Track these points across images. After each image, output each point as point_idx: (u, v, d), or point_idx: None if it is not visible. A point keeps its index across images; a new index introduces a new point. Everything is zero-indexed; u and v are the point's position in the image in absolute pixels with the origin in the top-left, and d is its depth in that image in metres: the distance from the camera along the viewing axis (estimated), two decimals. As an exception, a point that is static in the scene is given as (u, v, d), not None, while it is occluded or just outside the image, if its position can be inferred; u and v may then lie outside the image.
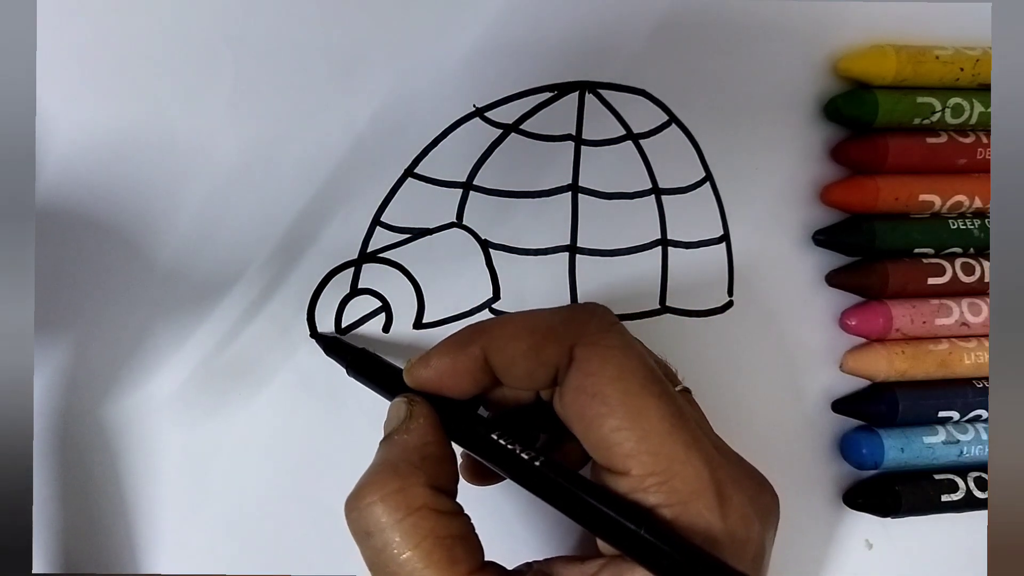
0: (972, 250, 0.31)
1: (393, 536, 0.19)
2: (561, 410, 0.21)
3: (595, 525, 0.19)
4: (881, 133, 0.29)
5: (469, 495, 0.22)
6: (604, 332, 0.21)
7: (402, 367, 0.23)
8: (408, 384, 0.23)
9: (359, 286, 0.28)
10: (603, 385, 0.20)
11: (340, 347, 0.26)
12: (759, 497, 0.20)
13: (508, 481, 0.22)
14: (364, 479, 0.20)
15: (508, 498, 0.28)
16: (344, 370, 0.26)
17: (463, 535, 0.19)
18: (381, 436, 0.28)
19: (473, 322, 0.22)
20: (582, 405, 0.20)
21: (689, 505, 0.19)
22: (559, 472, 0.20)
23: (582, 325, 0.21)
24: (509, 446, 0.20)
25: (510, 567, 0.21)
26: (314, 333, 0.27)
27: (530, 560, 0.23)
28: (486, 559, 0.20)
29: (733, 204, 0.29)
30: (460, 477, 0.22)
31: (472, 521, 0.21)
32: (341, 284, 0.28)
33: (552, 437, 0.24)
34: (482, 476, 0.24)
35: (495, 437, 0.21)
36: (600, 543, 0.21)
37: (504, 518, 0.28)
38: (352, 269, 0.27)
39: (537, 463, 0.20)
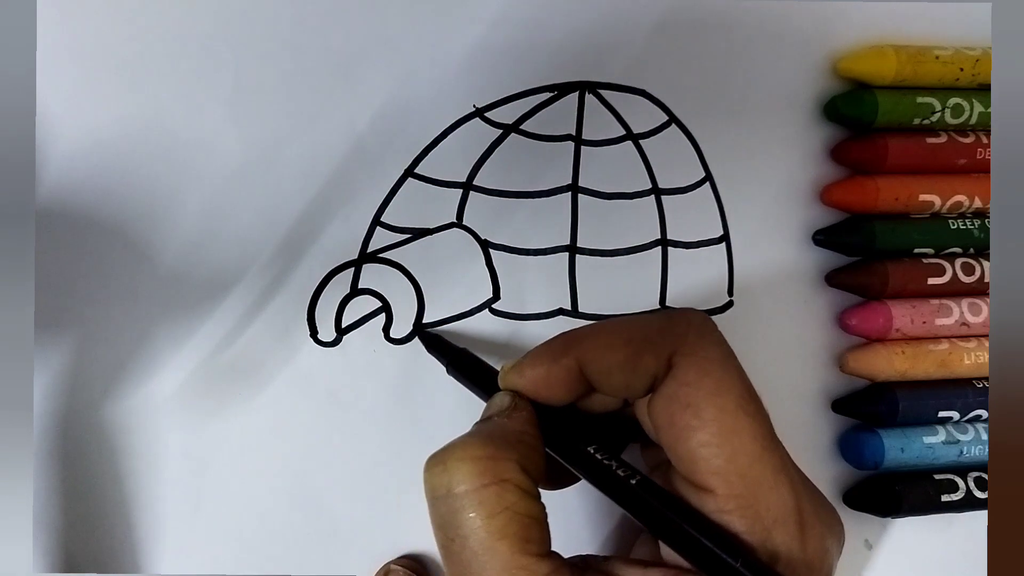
0: (972, 250, 0.31)
1: (473, 500, 0.18)
2: (650, 417, 0.21)
3: (686, 549, 0.19)
4: (881, 133, 0.29)
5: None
6: (704, 343, 0.20)
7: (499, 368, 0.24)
8: (501, 388, 0.23)
9: (359, 286, 0.28)
10: (699, 398, 0.19)
11: (441, 345, 0.26)
12: (833, 527, 0.20)
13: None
14: (456, 441, 0.20)
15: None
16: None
17: (539, 519, 0.19)
18: (384, 436, 0.28)
19: (567, 330, 0.22)
20: (673, 415, 0.20)
21: (773, 532, 0.19)
22: (654, 493, 0.20)
23: (681, 334, 0.20)
24: (606, 461, 0.20)
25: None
26: (417, 329, 0.27)
27: (582, 553, 0.22)
28: None
29: (733, 204, 0.29)
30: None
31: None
32: (341, 284, 0.28)
33: (625, 439, 0.24)
34: (556, 481, 0.24)
35: (592, 451, 0.21)
36: (663, 550, 0.21)
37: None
38: (352, 269, 0.27)
39: (633, 481, 0.20)
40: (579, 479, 0.23)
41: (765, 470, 0.19)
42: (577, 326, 0.29)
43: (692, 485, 0.20)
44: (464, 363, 0.25)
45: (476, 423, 0.22)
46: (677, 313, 0.22)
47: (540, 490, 0.24)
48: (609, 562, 0.21)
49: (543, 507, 0.20)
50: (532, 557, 0.18)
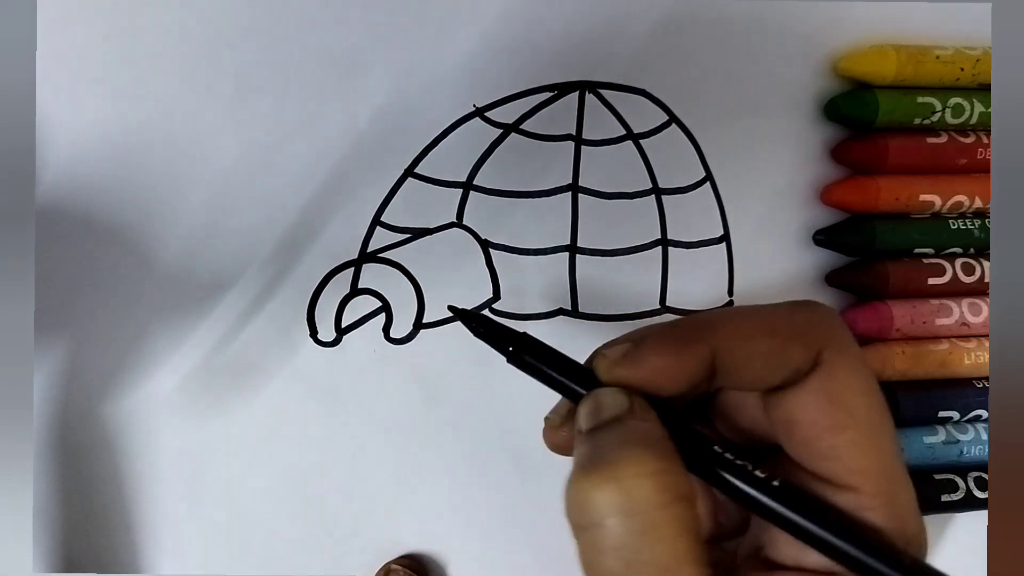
0: (972, 250, 0.31)
1: (659, 520, 0.17)
2: (786, 411, 0.20)
3: (835, 554, 0.18)
4: (881, 133, 0.29)
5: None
6: (849, 340, 0.20)
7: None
8: (605, 380, 0.20)
9: (359, 286, 0.28)
10: (851, 396, 0.19)
11: (498, 331, 0.21)
12: None
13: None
14: (622, 453, 0.17)
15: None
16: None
17: (702, 534, 0.18)
18: (384, 436, 0.28)
19: (686, 317, 0.20)
20: (820, 411, 0.19)
21: (907, 525, 0.19)
22: (799, 496, 0.18)
23: (830, 329, 0.20)
24: (739, 462, 0.19)
25: None
26: (453, 310, 0.22)
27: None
28: None
29: (733, 204, 0.29)
30: None
31: None
32: (341, 284, 0.28)
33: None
34: None
35: (720, 451, 0.19)
36: (784, 548, 0.20)
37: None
38: (352, 269, 0.27)
39: (775, 483, 0.18)
40: None
41: (899, 469, 0.19)
42: (578, 325, 0.28)
43: (824, 482, 0.19)
44: (535, 351, 0.21)
45: (601, 427, 0.19)
46: (819, 308, 0.20)
47: None
48: (736, 572, 0.21)
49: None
50: None
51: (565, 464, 0.18)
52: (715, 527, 0.22)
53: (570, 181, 0.28)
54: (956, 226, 0.30)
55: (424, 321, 0.28)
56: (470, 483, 0.29)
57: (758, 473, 0.18)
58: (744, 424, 0.21)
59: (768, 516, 0.19)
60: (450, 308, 0.22)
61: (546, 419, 0.21)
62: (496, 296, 0.28)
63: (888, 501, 0.19)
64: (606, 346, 0.21)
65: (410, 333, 0.28)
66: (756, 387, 0.20)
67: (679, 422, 0.19)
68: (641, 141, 0.29)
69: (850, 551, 0.18)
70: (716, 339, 0.19)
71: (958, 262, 0.30)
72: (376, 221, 0.27)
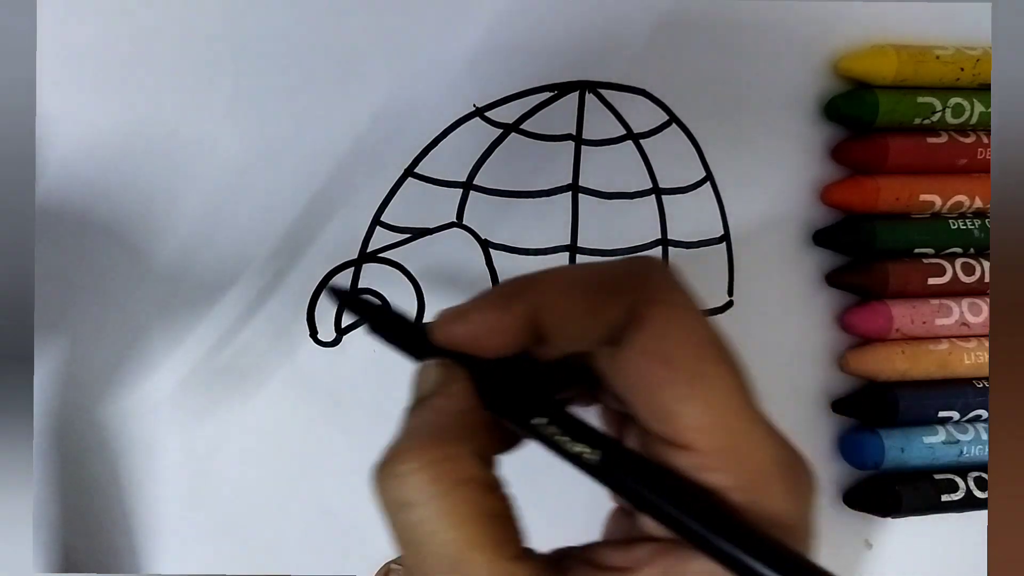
0: (972, 250, 0.31)
1: (435, 510, 0.16)
2: (614, 373, 0.19)
3: (668, 521, 0.17)
4: (881, 133, 0.29)
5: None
6: (670, 288, 0.19)
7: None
8: (437, 340, 0.20)
9: (359, 286, 0.28)
10: (672, 348, 0.18)
11: (358, 305, 0.22)
12: (812, 477, 0.19)
13: (532, 449, 0.19)
14: (400, 443, 0.17)
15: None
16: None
17: (507, 514, 0.17)
18: (384, 436, 0.28)
19: (522, 275, 0.19)
20: (644, 369, 0.18)
21: (760, 487, 0.17)
22: (623, 468, 0.18)
23: (645, 279, 0.19)
24: (557, 437, 0.18)
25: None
26: (325, 287, 0.25)
27: (564, 545, 0.21)
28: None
29: (733, 204, 0.29)
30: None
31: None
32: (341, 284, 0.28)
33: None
34: (505, 442, 0.21)
35: (538, 424, 0.18)
36: (649, 522, 0.19)
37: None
38: (352, 269, 0.27)
39: (595, 459, 0.18)
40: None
41: (747, 422, 0.17)
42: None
43: (667, 443, 0.18)
44: (386, 322, 0.21)
45: (410, 409, 0.19)
46: (639, 258, 0.20)
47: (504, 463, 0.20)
48: (591, 550, 0.19)
49: (507, 497, 0.18)
50: (511, 561, 0.17)
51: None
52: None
53: (570, 181, 0.28)
54: (956, 226, 0.30)
55: (424, 321, 0.28)
56: (470, 483, 0.29)
57: (576, 449, 0.18)
58: (616, 388, 0.20)
59: (597, 481, 0.18)
60: (326, 285, 0.23)
61: None
62: (496, 296, 0.28)
63: (733, 460, 0.17)
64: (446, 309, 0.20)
65: None
66: (579, 346, 0.19)
67: (503, 384, 0.19)
68: (641, 141, 0.29)
69: (671, 511, 0.17)
70: (535, 296, 0.19)
71: (958, 262, 0.30)
72: (376, 221, 0.27)
